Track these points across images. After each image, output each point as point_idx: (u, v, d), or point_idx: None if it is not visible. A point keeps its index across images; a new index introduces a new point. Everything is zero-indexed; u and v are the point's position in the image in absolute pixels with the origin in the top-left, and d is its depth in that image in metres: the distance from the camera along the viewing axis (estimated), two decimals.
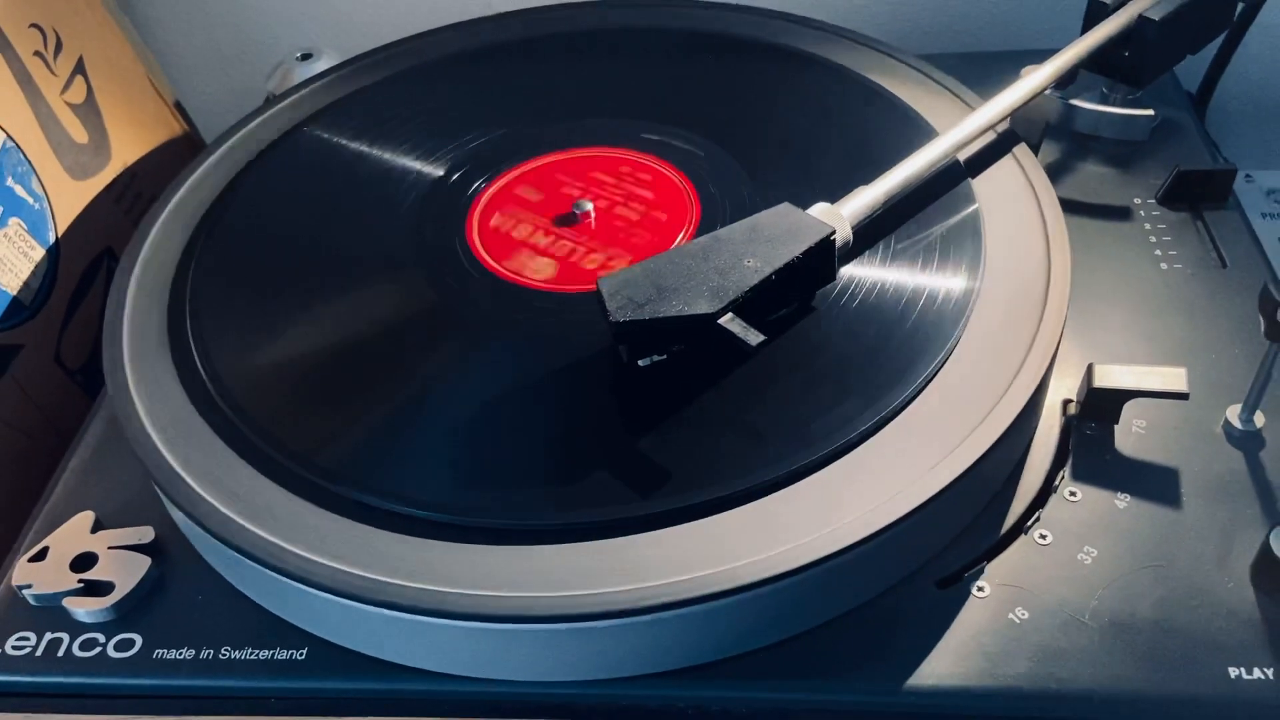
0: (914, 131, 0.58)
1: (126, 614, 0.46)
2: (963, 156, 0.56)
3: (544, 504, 0.44)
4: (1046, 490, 0.47)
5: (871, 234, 0.52)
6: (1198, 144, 0.65)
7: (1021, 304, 0.49)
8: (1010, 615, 0.43)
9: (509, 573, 0.41)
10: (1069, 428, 0.50)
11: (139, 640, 0.45)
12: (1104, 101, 0.65)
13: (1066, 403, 0.50)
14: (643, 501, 0.42)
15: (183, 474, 0.46)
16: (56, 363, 0.65)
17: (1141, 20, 0.59)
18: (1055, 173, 0.63)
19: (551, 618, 0.40)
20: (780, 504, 0.42)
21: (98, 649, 0.45)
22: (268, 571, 0.43)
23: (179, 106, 0.82)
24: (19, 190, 0.63)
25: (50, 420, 0.63)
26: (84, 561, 0.47)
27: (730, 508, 0.42)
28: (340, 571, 0.42)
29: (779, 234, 0.48)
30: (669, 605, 0.40)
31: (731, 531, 0.42)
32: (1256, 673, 0.41)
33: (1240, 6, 0.64)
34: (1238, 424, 0.48)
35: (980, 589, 0.44)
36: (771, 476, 0.43)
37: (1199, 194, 0.60)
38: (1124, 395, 0.48)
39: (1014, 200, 0.54)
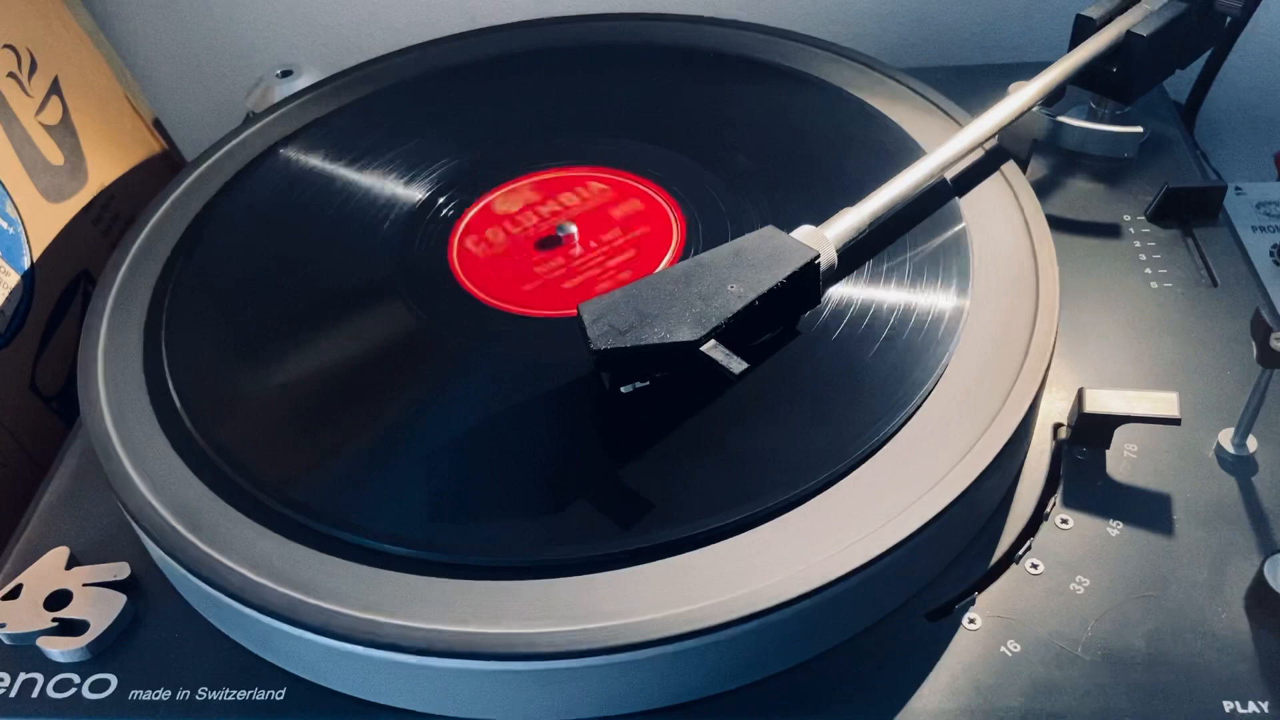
0: (901, 149, 0.58)
1: (102, 654, 0.45)
2: (950, 174, 0.56)
3: (526, 540, 0.43)
4: (1038, 517, 0.47)
5: (857, 255, 0.52)
6: (1187, 159, 0.64)
7: (1010, 327, 0.48)
8: (1002, 648, 0.42)
9: (491, 610, 0.40)
10: (1060, 453, 0.49)
11: (114, 681, 0.44)
12: (1092, 117, 0.65)
13: (1057, 427, 0.50)
14: (627, 537, 0.42)
15: (159, 509, 0.45)
16: (32, 390, 0.64)
17: (1130, 36, 0.59)
18: (1044, 189, 0.62)
19: (533, 656, 0.39)
20: (766, 537, 0.42)
21: (73, 690, 0.44)
22: (245, 609, 0.42)
23: (158, 124, 0.81)
24: None
25: (26, 449, 0.62)
26: (58, 599, 0.47)
27: (716, 541, 0.41)
28: (319, 609, 0.41)
29: (763, 258, 0.47)
30: (654, 642, 0.39)
31: (717, 565, 0.41)
32: (1251, 706, 0.40)
33: (1227, 20, 0.64)
34: (1230, 448, 0.48)
35: (971, 621, 0.43)
36: (757, 509, 0.42)
37: (1189, 211, 0.59)
38: (1115, 420, 0.47)
39: (1002, 220, 0.54)
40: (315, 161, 0.62)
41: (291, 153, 0.63)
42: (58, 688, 0.45)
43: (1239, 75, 0.77)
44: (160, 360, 0.51)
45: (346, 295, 0.54)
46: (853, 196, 0.52)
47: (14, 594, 0.47)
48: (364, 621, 0.40)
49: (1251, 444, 0.48)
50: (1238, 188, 0.69)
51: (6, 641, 0.46)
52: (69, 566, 0.48)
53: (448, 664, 0.40)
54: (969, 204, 0.55)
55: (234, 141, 0.64)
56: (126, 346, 0.52)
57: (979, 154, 0.57)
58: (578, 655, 0.39)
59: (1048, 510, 0.47)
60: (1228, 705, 0.40)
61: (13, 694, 0.45)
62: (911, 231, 0.53)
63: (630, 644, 0.39)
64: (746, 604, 0.39)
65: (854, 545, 0.40)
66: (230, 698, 0.44)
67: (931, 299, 0.50)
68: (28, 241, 0.65)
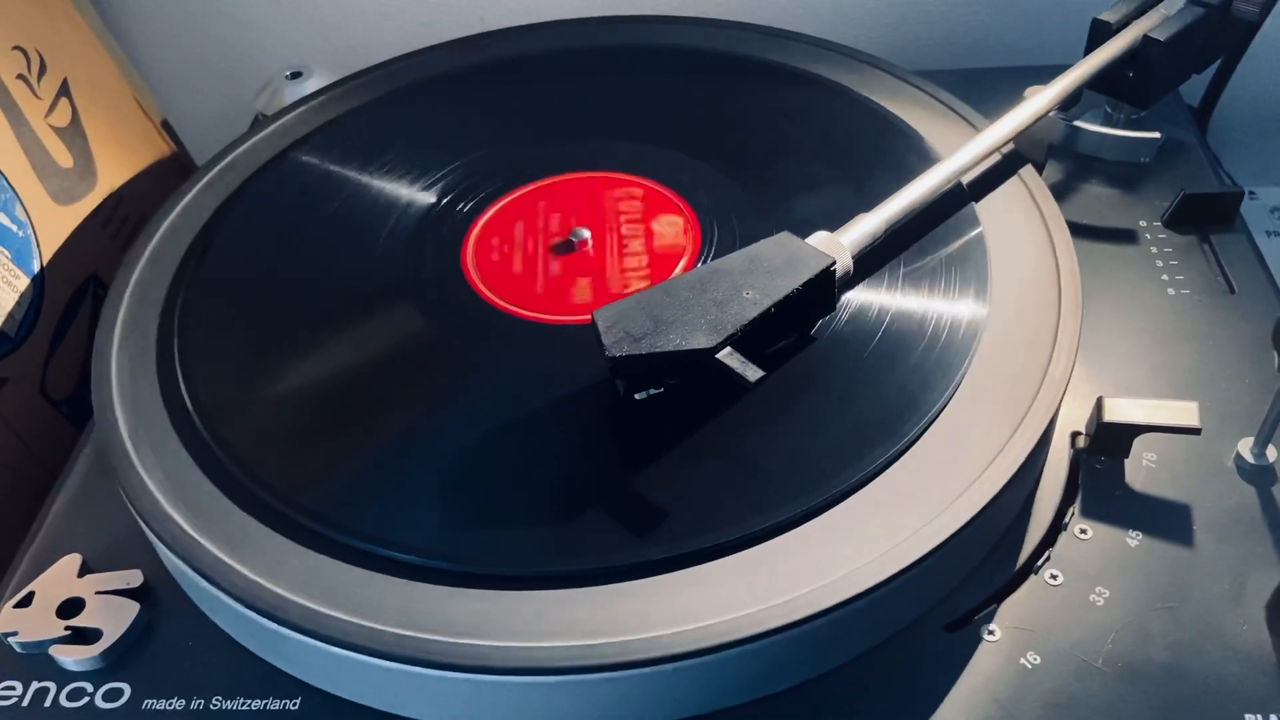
0: (917, 154, 0.57)
1: (115, 662, 0.45)
2: (966, 179, 0.55)
3: (542, 550, 0.42)
4: (1056, 527, 0.46)
5: (872, 260, 0.51)
6: (1202, 163, 0.64)
7: (1030, 335, 0.48)
8: (1022, 660, 0.42)
9: (508, 621, 0.40)
10: (1078, 462, 0.49)
11: (128, 690, 0.44)
12: (1108, 121, 0.64)
13: (1075, 435, 0.49)
14: (640, 548, 0.41)
15: (174, 516, 0.44)
16: (41, 394, 0.63)
17: (1147, 40, 0.58)
18: (1058, 194, 0.61)
19: (550, 669, 0.39)
20: (783, 549, 0.41)
21: (85, 699, 0.44)
22: (260, 618, 0.42)
23: (166, 126, 0.81)
24: (2, 218, 0.61)
25: (36, 454, 0.62)
26: (71, 607, 0.46)
27: (729, 554, 0.41)
28: (335, 619, 0.41)
29: (778, 265, 0.47)
30: (669, 658, 0.38)
31: (734, 578, 0.40)
32: (1273, 719, 0.40)
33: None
34: (1250, 458, 0.48)
35: (991, 632, 0.43)
36: (774, 520, 0.42)
37: (1205, 217, 0.59)
38: (1135, 430, 0.47)
39: (1021, 226, 0.53)
40: (327, 165, 0.61)
41: (303, 156, 0.62)
42: (70, 697, 0.44)
43: (1250, 78, 0.77)
44: (173, 365, 0.51)
45: (360, 299, 0.53)
46: (868, 202, 0.52)
47: (26, 601, 0.47)
48: (378, 632, 0.40)
49: (1271, 454, 0.48)
50: (1251, 192, 0.69)
51: (19, 650, 0.45)
52: (81, 574, 0.48)
53: (464, 676, 0.40)
54: (986, 209, 0.54)
55: (245, 144, 0.64)
56: (140, 351, 0.52)
57: (996, 159, 0.56)
58: (591, 670, 0.39)
59: (1066, 520, 0.46)
60: (1249, 718, 0.40)
61: (25, 703, 0.44)
62: (928, 237, 0.53)
63: (641, 660, 0.38)
64: (761, 620, 0.39)
65: (873, 561, 0.40)
66: (244, 707, 0.43)
67: (949, 306, 0.49)
68: (37, 245, 0.64)
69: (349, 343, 0.52)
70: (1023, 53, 0.82)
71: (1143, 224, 0.60)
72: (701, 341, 0.44)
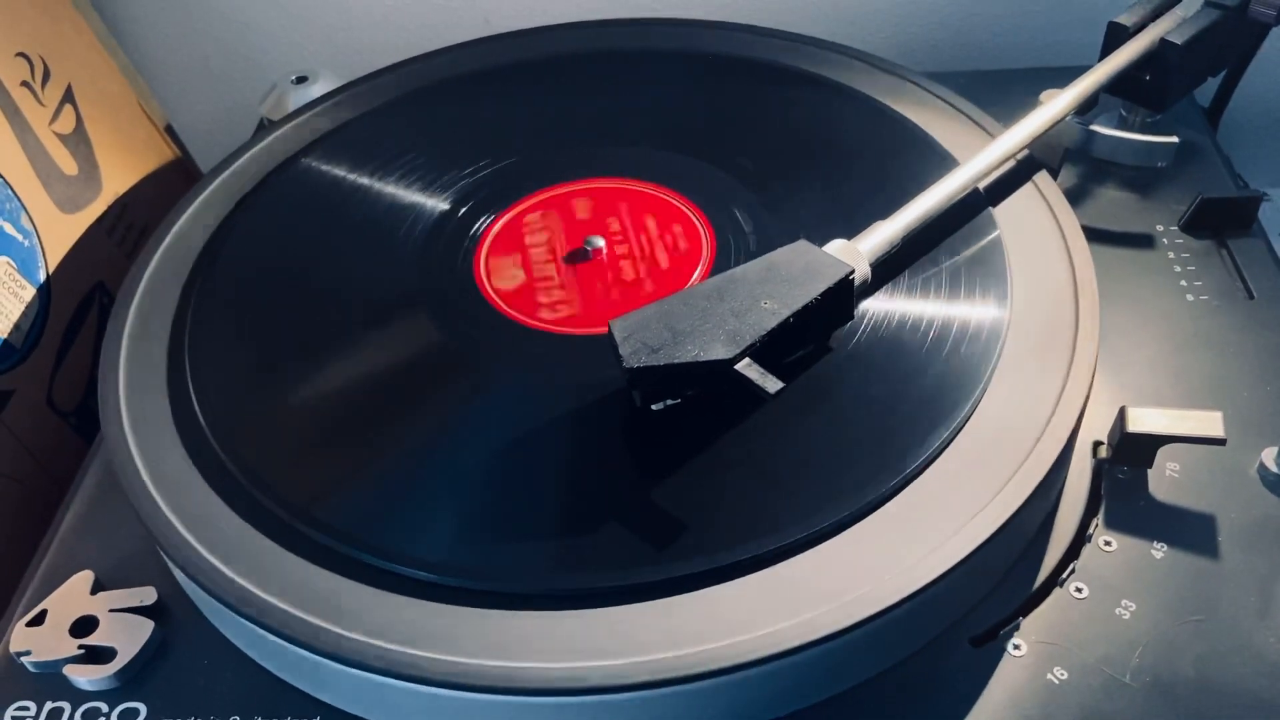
0: (933, 160, 0.57)
1: (130, 681, 0.44)
2: (982, 184, 0.55)
3: (562, 567, 0.42)
4: (1080, 539, 0.46)
5: (888, 268, 0.51)
6: (1217, 166, 0.63)
7: (1050, 345, 0.47)
8: (1049, 675, 0.42)
9: (528, 641, 0.39)
10: (1100, 471, 0.48)
11: (143, 710, 0.44)
12: (1122, 124, 0.64)
13: (1097, 445, 0.49)
14: (660, 565, 0.41)
15: (186, 535, 0.44)
16: (49, 405, 0.63)
17: (1164, 44, 0.58)
18: (1074, 198, 0.61)
19: (569, 690, 0.38)
20: (805, 564, 0.41)
21: (100, 719, 0.44)
22: (276, 638, 0.41)
23: (170, 130, 0.80)
24: (8, 228, 0.61)
25: (44, 465, 0.61)
26: (84, 625, 0.46)
27: (753, 569, 0.41)
28: (350, 639, 0.40)
29: (796, 273, 0.47)
30: (689, 677, 0.38)
31: (756, 594, 0.40)
32: None
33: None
34: (1273, 468, 0.47)
35: (1016, 647, 0.43)
36: (796, 536, 0.41)
37: (1223, 221, 0.58)
38: (1159, 440, 0.46)
39: (1037, 234, 0.53)
40: (335, 171, 0.61)
41: (312, 162, 0.62)
42: (85, 717, 0.44)
43: (1259, 78, 0.76)
44: (183, 376, 0.50)
45: (373, 311, 0.53)
46: (883, 207, 0.51)
47: (38, 620, 0.46)
48: (395, 652, 0.39)
49: None
50: (1265, 194, 0.68)
51: (32, 669, 0.45)
52: (94, 591, 0.47)
53: (483, 697, 0.39)
54: (1003, 216, 0.54)
55: (251, 150, 0.63)
56: (148, 362, 0.51)
57: (1011, 164, 0.56)
58: (611, 690, 0.38)
59: (1090, 532, 0.46)
60: None
61: None
62: (944, 244, 0.52)
63: (661, 680, 0.38)
64: (784, 637, 0.38)
65: (897, 575, 0.40)
66: None
67: (967, 315, 0.49)
68: (43, 253, 0.64)
69: (360, 354, 0.51)
70: (1034, 54, 0.81)
71: (1159, 229, 0.59)
72: (720, 352, 0.43)
